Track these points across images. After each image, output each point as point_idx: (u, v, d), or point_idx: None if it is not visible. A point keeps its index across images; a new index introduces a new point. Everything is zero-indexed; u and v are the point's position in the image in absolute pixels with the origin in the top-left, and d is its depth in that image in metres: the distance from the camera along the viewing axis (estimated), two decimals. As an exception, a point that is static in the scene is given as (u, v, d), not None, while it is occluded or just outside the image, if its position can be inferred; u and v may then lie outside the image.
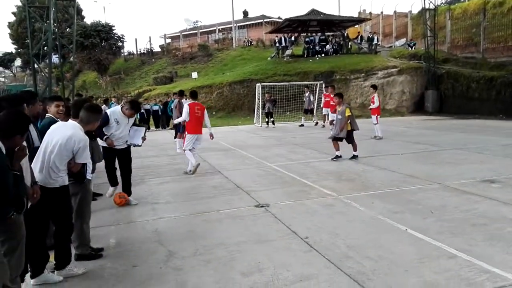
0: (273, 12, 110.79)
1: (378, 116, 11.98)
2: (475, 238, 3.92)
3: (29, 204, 3.04)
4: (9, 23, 39.67)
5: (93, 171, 4.29)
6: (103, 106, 11.82)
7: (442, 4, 29.76)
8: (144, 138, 5.68)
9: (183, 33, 43.93)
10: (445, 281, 3.09)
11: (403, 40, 30.49)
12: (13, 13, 38.63)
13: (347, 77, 22.08)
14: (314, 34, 27.65)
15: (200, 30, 43.21)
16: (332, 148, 8.59)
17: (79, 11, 35.80)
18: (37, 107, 4.10)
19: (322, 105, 16.14)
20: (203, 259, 3.69)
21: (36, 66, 15.90)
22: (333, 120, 9.17)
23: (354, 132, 8.52)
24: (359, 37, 27.87)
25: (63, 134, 3.32)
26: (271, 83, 18.88)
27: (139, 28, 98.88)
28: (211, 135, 7.89)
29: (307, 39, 27.01)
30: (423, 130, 13.96)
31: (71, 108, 3.84)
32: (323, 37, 26.96)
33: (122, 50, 37.21)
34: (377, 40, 27.29)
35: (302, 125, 16.75)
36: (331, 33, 28.50)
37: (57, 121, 3.88)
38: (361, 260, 3.51)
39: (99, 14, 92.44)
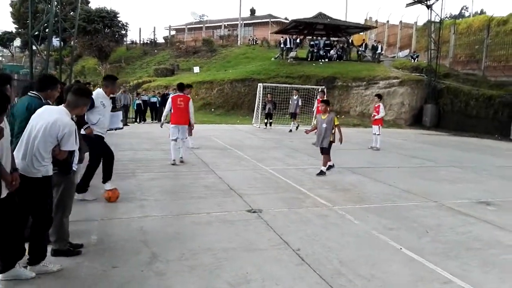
0: (280, 12, 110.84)
1: (381, 127, 11.64)
2: (470, 263, 3.82)
3: (6, 192, 2.85)
4: (12, 1, 39.17)
5: (80, 161, 4.09)
6: None
7: (447, 18, 29.75)
8: (122, 121, 5.57)
9: (188, 26, 43.66)
10: (440, 309, 2.96)
11: (406, 51, 30.50)
12: (16, -8, 38.20)
13: (348, 84, 21.96)
14: (319, 38, 27.53)
15: (206, 25, 42.95)
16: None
17: (84, -5, 35.45)
18: (55, 92, 3.95)
19: (314, 110, 15.44)
20: (188, 264, 3.52)
21: (34, 47, 15.54)
22: (312, 129, 8.31)
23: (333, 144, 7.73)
24: (363, 44, 27.76)
25: (47, 119, 3.14)
26: (273, 84, 18.67)
27: (144, 17, 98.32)
28: (192, 125, 8.58)
29: (312, 43, 26.91)
30: (420, 144, 13.87)
31: (64, 94, 3.65)
32: (328, 42, 26.86)
33: (125, 39, 36.87)
34: (381, 49, 27.24)
35: (290, 131, 15.72)
36: (336, 39, 28.38)
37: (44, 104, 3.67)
38: (353, 278, 3.37)
39: (105, 0, 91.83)
